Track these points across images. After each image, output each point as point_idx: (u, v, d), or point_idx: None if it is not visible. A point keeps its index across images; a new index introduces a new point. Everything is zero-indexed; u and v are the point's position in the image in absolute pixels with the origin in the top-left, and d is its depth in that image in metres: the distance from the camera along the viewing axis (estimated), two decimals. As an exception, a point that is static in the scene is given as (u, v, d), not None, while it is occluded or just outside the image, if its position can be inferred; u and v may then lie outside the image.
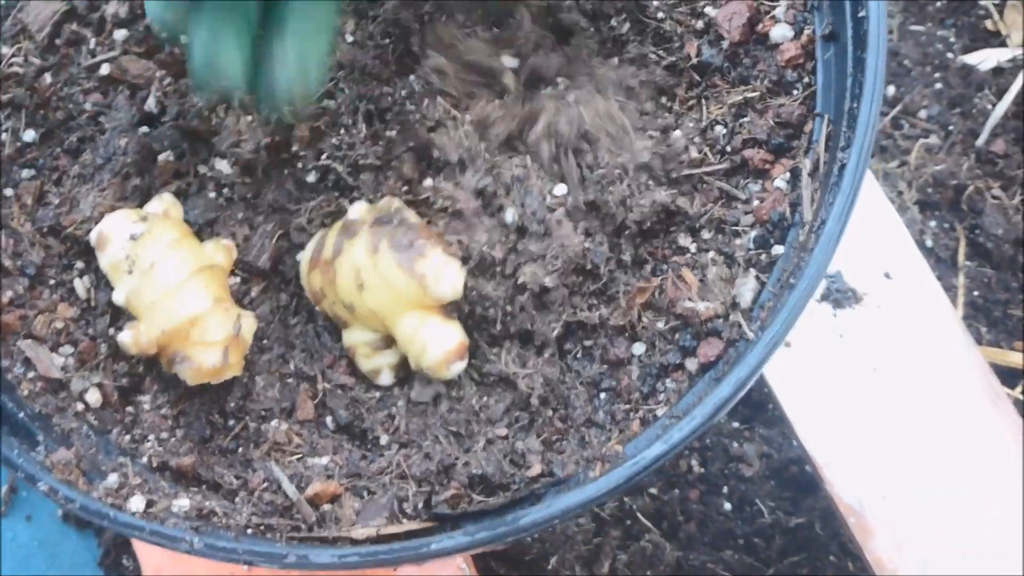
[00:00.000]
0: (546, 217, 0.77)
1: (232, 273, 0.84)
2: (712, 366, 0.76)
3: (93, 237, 0.80)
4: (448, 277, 0.75)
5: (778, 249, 0.77)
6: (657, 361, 0.78)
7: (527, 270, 0.76)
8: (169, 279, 0.77)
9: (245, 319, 0.80)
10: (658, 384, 0.78)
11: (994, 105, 1.49)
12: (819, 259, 0.69)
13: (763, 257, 0.78)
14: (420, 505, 0.74)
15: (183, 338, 0.77)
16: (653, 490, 1.36)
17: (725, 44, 0.83)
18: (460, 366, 0.77)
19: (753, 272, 0.77)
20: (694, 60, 0.83)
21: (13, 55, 0.86)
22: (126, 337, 0.78)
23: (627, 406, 0.78)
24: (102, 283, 0.83)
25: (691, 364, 0.77)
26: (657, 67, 0.84)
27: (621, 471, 0.68)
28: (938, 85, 1.53)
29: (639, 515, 1.35)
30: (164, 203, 0.82)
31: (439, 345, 0.76)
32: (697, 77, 0.83)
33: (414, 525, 0.73)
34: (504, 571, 1.32)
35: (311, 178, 0.84)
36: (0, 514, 1.38)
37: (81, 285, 0.84)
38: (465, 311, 0.79)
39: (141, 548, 1.13)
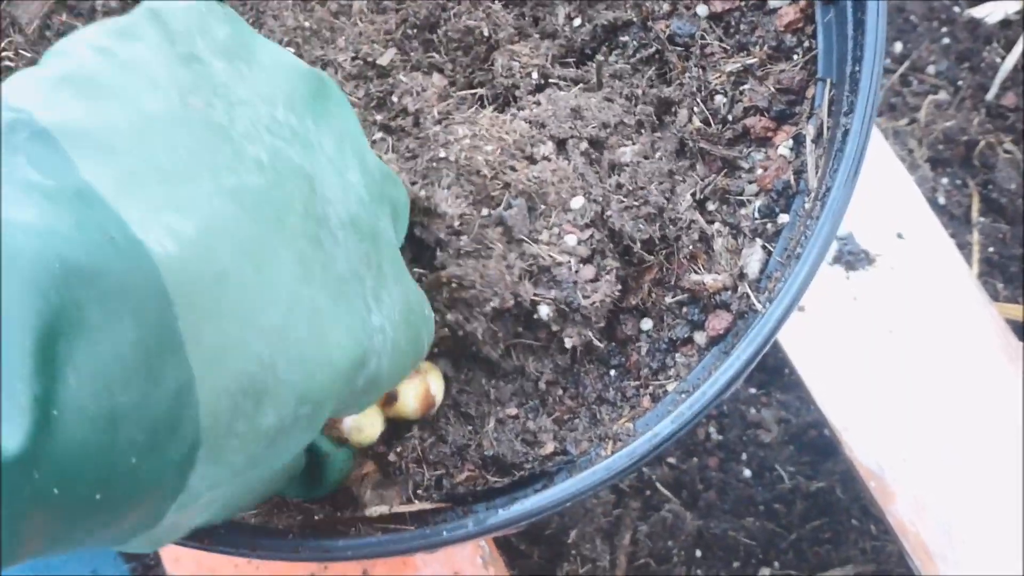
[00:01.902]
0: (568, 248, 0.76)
1: None
2: (721, 339, 0.75)
3: None
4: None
5: (784, 218, 0.76)
6: (666, 336, 0.78)
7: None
8: None
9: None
10: (667, 359, 0.77)
11: (1003, 58, 1.48)
12: (826, 227, 0.68)
13: (769, 226, 0.77)
14: (433, 487, 0.74)
15: None
16: (672, 459, 1.36)
17: (702, 11, 0.82)
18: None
19: (759, 242, 0.76)
20: (665, 35, 0.82)
21: (3, 49, 0.85)
22: None
23: (637, 382, 0.77)
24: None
25: (700, 338, 0.76)
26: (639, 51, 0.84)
27: (632, 449, 0.67)
28: (945, 40, 1.51)
29: (658, 485, 1.35)
30: None
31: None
32: (680, 49, 0.82)
33: (427, 505, 0.73)
34: (524, 546, 1.32)
35: None
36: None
37: None
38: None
39: (161, 538, 1.13)
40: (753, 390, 1.40)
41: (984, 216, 1.42)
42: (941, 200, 1.42)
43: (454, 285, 0.72)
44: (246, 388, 0.48)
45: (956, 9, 1.53)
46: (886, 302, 1.12)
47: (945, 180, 1.44)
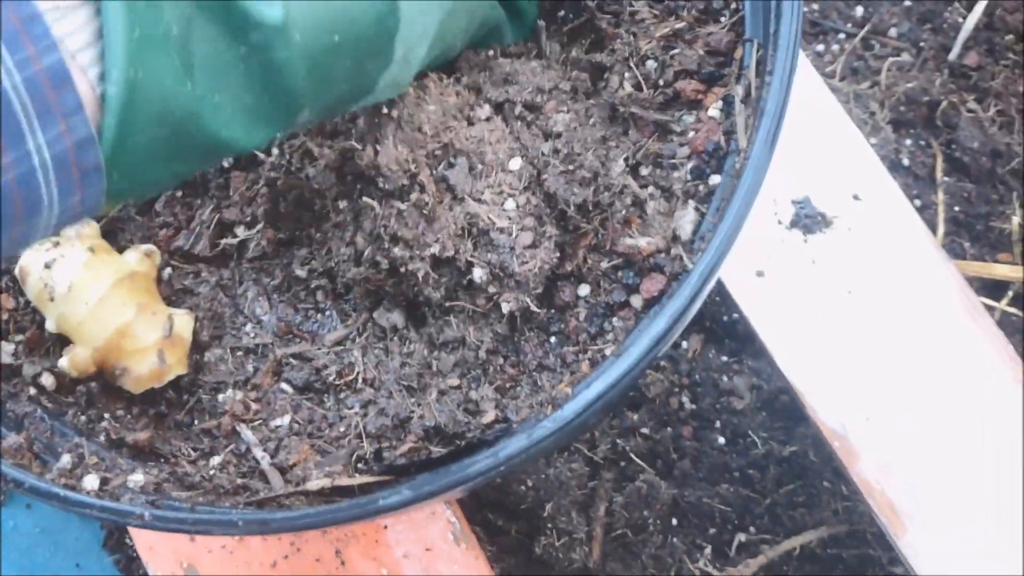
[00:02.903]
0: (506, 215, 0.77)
1: (171, 265, 0.85)
2: (656, 301, 0.75)
3: (16, 274, 0.80)
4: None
5: (715, 179, 0.77)
6: (603, 301, 0.78)
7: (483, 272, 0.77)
8: (89, 297, 0.78)
9: (178, 317, 0.81)
10: (605, 324, 0.78)
11: (964, 18, 1.47)
12: (747, 182, 0.69)
13: (701, 188, 0.77)
14: (373, 458, 0.74)
15: (116, 351, 0.78)
16: (645, 430, 1.37)
17: None
18: None
19: (692, 204, 0.77)
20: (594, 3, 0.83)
21: None
22: (64, 362, 0.79)
23: (576, 348, 0.78)
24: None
25: (636, 301, 0.77)
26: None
27: (561, 413, 0.68)
28: (907, 2, 1.51)
29: (632, 455, 1.35)
30: (77, 223, 0.83)
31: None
32: (610, 16, 0.83)
33: (368, 478, 0.73)
34: (502, 522, 1.33)
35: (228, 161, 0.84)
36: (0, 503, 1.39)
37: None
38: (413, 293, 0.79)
39: (134, 529, 1.14)
40: (725, 358, 1.41)
41: (949, 176, 1.42)
42: (905, 161, 1.42)
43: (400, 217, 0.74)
44: None
45: (917, -29, 1.53)
46: (845, 264, 1.12)
47: (909, 141, 1.44)
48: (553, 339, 0.79)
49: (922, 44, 1.48)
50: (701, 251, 0.74)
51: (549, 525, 1.30)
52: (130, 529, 1.15)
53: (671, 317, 0.68)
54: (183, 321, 0.81)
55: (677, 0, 0.82)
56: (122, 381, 0.79)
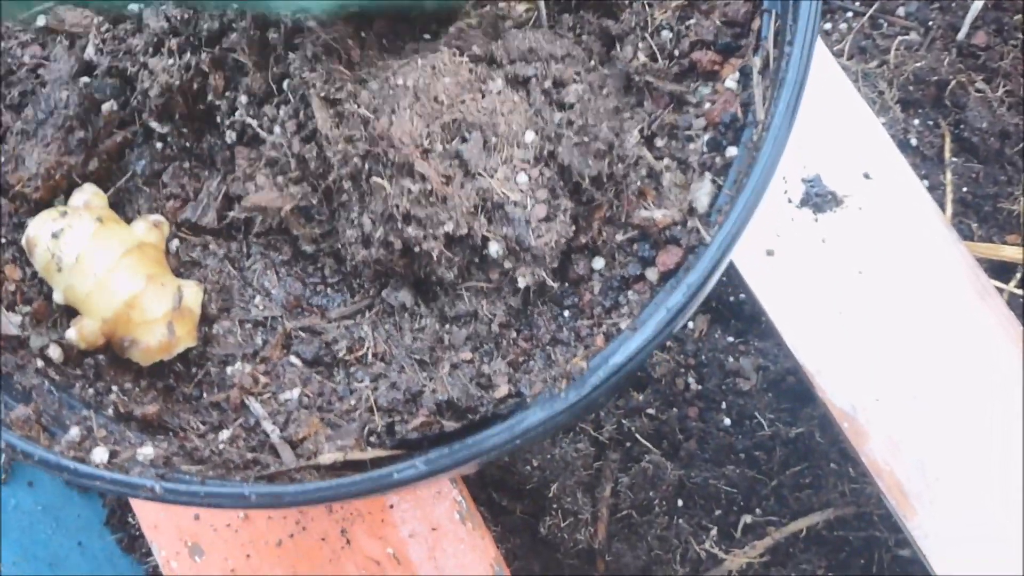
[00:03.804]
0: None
1: (178, 236, 0.84)
2: (672, 274, 0.74)
3: (24, 244, 0.79)
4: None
5: (732, 151, 0.76)
6: (618, 274, 0.77)
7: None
8: (97, 268, 0.77)
9: (187, 289, 0.80)
10: (620, 297, 0.77)
11: (972, -2, 1.47)
12: (768, 156, 0.68)
13: (717, 160, 0.76)
14: (385, 433, 0.74)
15: (125, 322, 0.77)
16: (651, 410, 1.36)
17: None
18: None
19: (708, 176, 0.76)
20: None
21: None
22: (72, 334, 0.79)
23: (590, 321, 0.77)
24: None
25: (651, 274, 0.76)
26: None
27: (580, 385, 0.67)
28: (916, -19, 1.51)
29: (638, 436, 1.34)
30: (85, 194, 0.82)
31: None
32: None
33: (380, 452, 0.72)
34: (507, 502, 1.32)
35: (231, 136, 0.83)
36: (1, 482, 1.38)
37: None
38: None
39: (136, 502, 1.13)
40: (731, 338, 1.40)
41: (957, 156, 1.41)
42: (913, 141, 1.41)
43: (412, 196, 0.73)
44: None
45: (925, -50, 1.52)
46: (855, 243, 1.11)
47: (917, 121, 1.43)
48: (567, 313, 0.78)
49: (930, 23, 1.47)
50: (718, 224, 0.73)
51: (554, 505, 1.29)
52: (134, 507, 1.14)
53: (689, 290, 0.67)
54: (192, 293, 0.80)
55: (693, -31, 0.81)
56: (131, 353, 0.78)
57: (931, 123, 1.43)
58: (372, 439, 0.73)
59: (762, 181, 0.67)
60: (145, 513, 1.12)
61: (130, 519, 1.40)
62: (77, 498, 1.41)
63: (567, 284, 0.79)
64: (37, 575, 1.36)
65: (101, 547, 1.40)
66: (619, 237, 0.77)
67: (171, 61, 0.81)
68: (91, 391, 0.79)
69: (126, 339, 0.78)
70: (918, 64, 1.43)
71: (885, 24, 1.49)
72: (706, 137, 0.77)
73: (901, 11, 1.49)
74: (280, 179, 0.80)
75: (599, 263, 0.78)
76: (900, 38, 1.47)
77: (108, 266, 0.77)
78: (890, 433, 1.07)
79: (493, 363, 0.76)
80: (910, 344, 1.08)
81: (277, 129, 0.79)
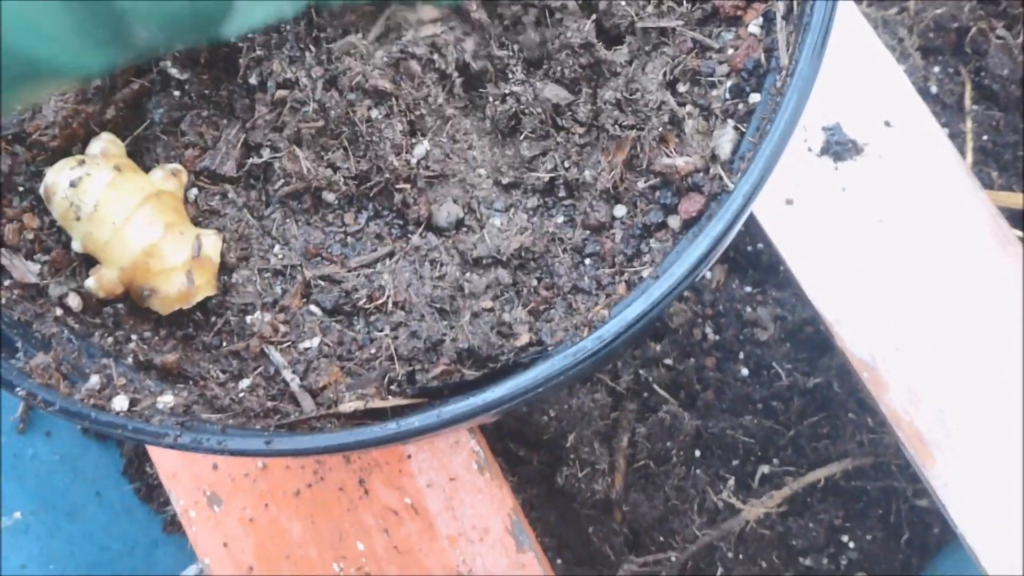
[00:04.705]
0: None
1: (197, 185, 0.83)
2: (695, 222, 0.74)
3: (42, 193, 0.79)
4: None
5: (755, 97, 0.75)
6: (639, 222, 0.77)
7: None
8: (115, 216, 0.77)
9: (206, 237, 0.79)
10: (642, 245, 0.76)
11: (994, -58, 1.45)
12: (793, 100, 0.67)
13: (740, 107, 0.75)
14: (406, 381, 0.73)
15: (144, 271, 0.77)
16: (668, 361, 1.36)
17: None
18: None
19: (731, 123, 0.75)
20: None
21: None
22: (91, 283, 0.78)
23: (612, 270, 0.76)
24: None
25: (674, 222, 0.75)
26: None
27: (603, 331, 0.67)
28: (935, -74, 1.49)
29: (655, 386, 1.34)
30: (103, 142, 0.81)
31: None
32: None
33: (401, 400, 0.72)
34: (523, 452, 1.32)
35: (254, 80, 0.82)
36: (19, 432, 1.39)
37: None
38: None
39: (154, 451, 1.14)
40: (749, 288, 1.40)
41: (977, 104, 1.40)
42: (933, 89, 1.40)
43: None
44: None
45: None
46: (875, 192, 1.11)
47: (937, 69, 1.42)
48: (588, 261, 0.78)
49: (949, -31, 1.45)
50: (741, 171, 0.72)
51: (571, 456, 1.30)
52: (152, 456, 1.15)
53: (713, 238, 0.66)
54: (211, 241, 0.79)
55: (714, -88, 0.79)
56: (150, 302, 0.78)
57: (951, 71, 1.42)
58: (393, 388, 0.73)
59: (786, 129, 0.66)
60: (163, 463, 1.13)
61: (147, 469, 1.40)
62: (95, 448, 1.42)
63: (588, 231, 0.78)
64: (55, 524, 1.36)
65: (118, 497, 1.40)
66: (641, 184, 0.77)
67: None
68: (110, 340, 0.79)
69: (145, 288, 0.77)
70: (938, 11, 1.41)
71: (905, -30, 1.47)
72: (729, 83, 0.76)
73: (921, -44, 1.47)
74: (317, 146, 0.79)
75: (620, 211, 0.77)
76: (920, -16, 1.45)
77: (126, 215, 0.76)
78: (910, 383, 1.06)
79: (513, 311, 0.75)
80: (930, 293, 1.08)
81: (302, 74, 0.78)
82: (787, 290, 1.37)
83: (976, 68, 1.41)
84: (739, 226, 0.69)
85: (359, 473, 1.11)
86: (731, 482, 1.32)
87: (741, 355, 1.37)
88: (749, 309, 1.38)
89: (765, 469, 1.32)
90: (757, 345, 1.36)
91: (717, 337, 1.38)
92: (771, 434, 1.33)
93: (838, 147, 1.11)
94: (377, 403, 0.72)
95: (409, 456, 1.10)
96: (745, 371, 1.36)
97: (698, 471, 1.32)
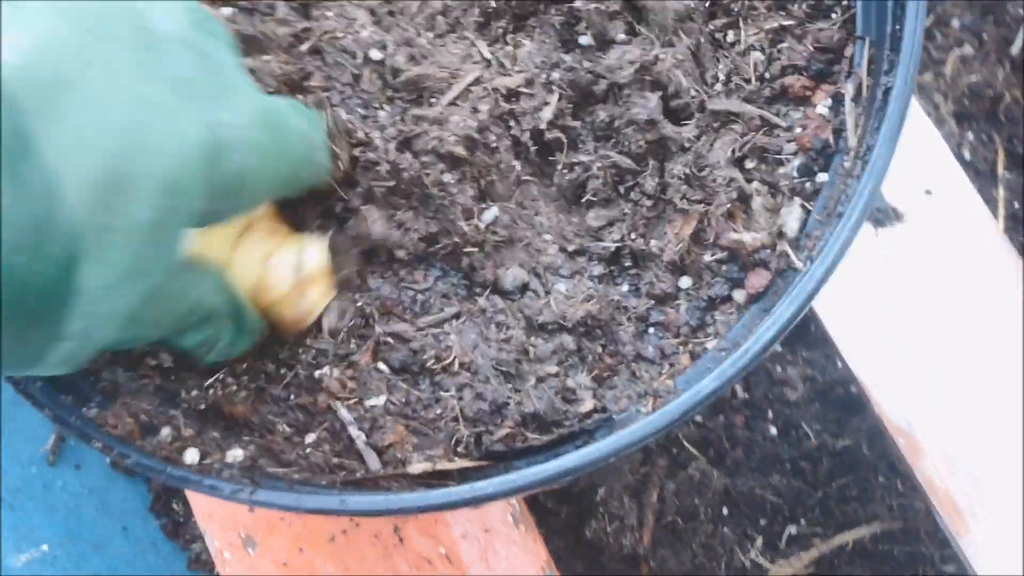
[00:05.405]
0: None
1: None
2: (760, 297, 0.75)
3: None
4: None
5: (822, 176, 0.77)
6: (705, 294, 0.78)
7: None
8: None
9: (306, 252, 0.78)
10: (706, 317, 0.78)
11: (1026, 12, 1.47)
12: (869, 185, 0.68)
13: (807, 185, 0.77)
14: (473, 444, 0.74)
15: (264, 307, 0.77)
16: (698, 418, 1.37)
17: None
18: None
19: (798, 200, 0.76)
20: None
21: None
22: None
23: (676, 340, 0.77)
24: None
25: (739, 296, 0.77)
26: None
27: (676, 404, 0.68)
28: (970, -7, 1.51)
29: (685, 443, 1.35)
30: None
31: None
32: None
33: (468, 463, 0.73)
34: (552, 503, 1.33)
35: None
36: (50, 464, 1.39)
37: None
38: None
39: (191, 491, 1.14)
40: (779, 348, 1.40)
41: (1010, 171, 1.41)
42: (967, 155, 1.41)
43: None
44: (110, 182, 0.53)
45: (980, -37, 1.52)
46: (915, 258, 1.12)
47: (971, 135, 1.43)
48: (651, 330, 0.79)
49: (984, 36, 1.47)
50: (808, 249, 0.74)
51: (600, 509, 1.30)
52: (188, 495, 1.15)
53: (791, 314, 0.68)
54: (312, 253, 0.78)
55: (786, -6, 0.81)
56: (282, 332, 0.79)
57: (985, 137, 1.43)
58: (459, 449, 0.74)
59: (863, 209, 0.68)
60: (199, 502, 1.13)
61: (174, 505, 1.41)
62: (122, 482, 1.42)
63: (652, 300, 0.79)
64: (82, 557, 1.37)
65: (145, 532, 1.41)
66: (707, 257, 0.78)
67: None
68: (194, 393, 0.79)
69: (271, 319, 0.78)
70: (973, 78, 1.43)
71: (940, 36, 1.49)
72: (796, 162, 0.78)
73: (955, 23, 1.49)
74: (388, 205, 0.80)
75: (686, 282, 0.79)
76: (955, 50, 1.47)
77: (226, 258, 0.75)
78: (946, 449, 1.07)
79: (577, 377, 0.77)
80: (969, 361, 1.09)
81: (376, 134, 0.79)
82: (817, 350, 1.38)
83: (1009, 135, 1.42)
84: (808, 307, 0.70)
85: (394, 521, 1.11)
86: (759, 541, 1.32)
87: (770, 414, 1.37)
88: (779, 368, 1.39)
89: (793, 530, 1.33)
90: (786, 405, 1.37)
91: (746, 395, 1.38)
92: (799, 494, 1.33)
93: (879, 214, 1.13)
94: (444, 464, 0.73)
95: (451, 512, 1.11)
96: (774, 430, 1.37)
97: (726, 529, 1.32)
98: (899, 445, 1.08)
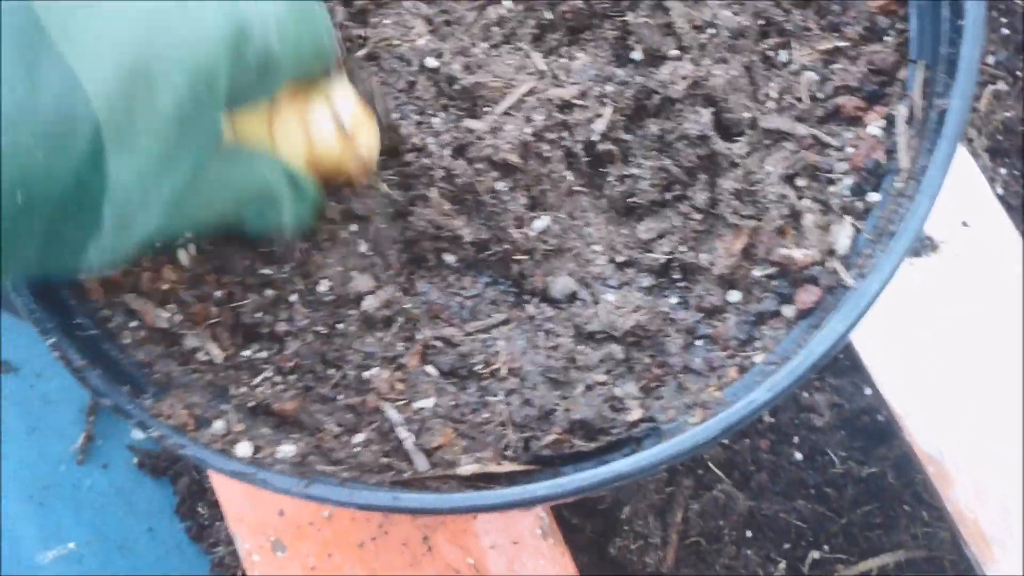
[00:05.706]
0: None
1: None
2: (810, 313, 0.76)
3: None
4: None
5: (874, 196, 0.77)
6: (754, 309, 0.79)
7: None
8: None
9: (339, 103, 0.75)
10: (755, 331, 0.78)
11: (1061, 49, 1.48)
12: (923, 206, 0.69)
13: (859, 204, 0.78)
14: (521, 449, 0.75)
15: (325, 168, 0.76)
16: (724, 441, 1.37)
17: None
18: None
19: (849, 219, 0.77)
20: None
21: None
22: None
23: (724, 353, 0.78)
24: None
25: (788, 311, 0.77)
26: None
27: (728, 415, 0.69)
28: (1005, 30, 1.52)
29: (711, 465, 1.36)
30: None
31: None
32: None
33: (516, 467, 0.74)
34: (577, 520, 1.33)
35: None
36: (78, 463, 1.40)
37: (185, 255, 0.82)
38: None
39: (223, 493, 1.15)
40: (807, 374, 1.41)
41: (1041, 208, 1.42)
42: (999, 190, 1.43)
43: None
44: (133, 71, 0.53)
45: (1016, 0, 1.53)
46: (950, 288, 1.13)
47: (1003, 170, 1.44)
48: (699, 343, 0.79)
49: (1019, 72, 1.48)
50: (858, 267, 0.75)
51: (625, 527, 1.31)
52: (220, 498, 1.16)
53: (843, 330, 0.69)
54: (341, 98, 0.75)
55: (841, 16, 0.82)
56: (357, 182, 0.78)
57: (1017, 173, 1.44)
58: (507, 453, 0.75)
59: (917, 229, 0.69)
60: (231, 506, 1.14)
61: (199, 509, 1.42)
62: (149, 483, 1.43)
63: (701, 314, 0.80)
64: (107, 557, 1.38)
65: (170, 533, 1.41)
66: (756, 272, 0.79)
67: None
68: (244, 389, 0.80)
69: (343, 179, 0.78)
70: (1007, 114, 1.44)
71: (975, 72, 1.50)
72: (848, 181, 0.78)
73: (991, 59, 1.50)
74: (446, 206, 0.81)
75: (735, 296, 0.80)
76: (990, 86, 1.48)
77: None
78: (976, 479, 1.08)
79: (625, 386, 0.77)
80: (1002, 392, 1.10)
81: (430, 140, 0.80)
82: (845, 378, 1.39)
83: (1041, 172, 1.44)
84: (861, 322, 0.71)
85: (424, 529, 1.12)
86: (782, 565, 1.32)
87: (796, 439, 1.38)
88: (806, 394, 1.40)
89: (816, 555, 1.33)
90: (812, 430, 1.38)
91: (772, 420, 1.39)
92: (823, 520, 1.34)
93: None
94: (493, 467, 0.73)
95: (475, 516, 1.11)
96: (799, 455, 1.37)
97: (749, 552, 1.33)
98: (928, 473, 1.09)
